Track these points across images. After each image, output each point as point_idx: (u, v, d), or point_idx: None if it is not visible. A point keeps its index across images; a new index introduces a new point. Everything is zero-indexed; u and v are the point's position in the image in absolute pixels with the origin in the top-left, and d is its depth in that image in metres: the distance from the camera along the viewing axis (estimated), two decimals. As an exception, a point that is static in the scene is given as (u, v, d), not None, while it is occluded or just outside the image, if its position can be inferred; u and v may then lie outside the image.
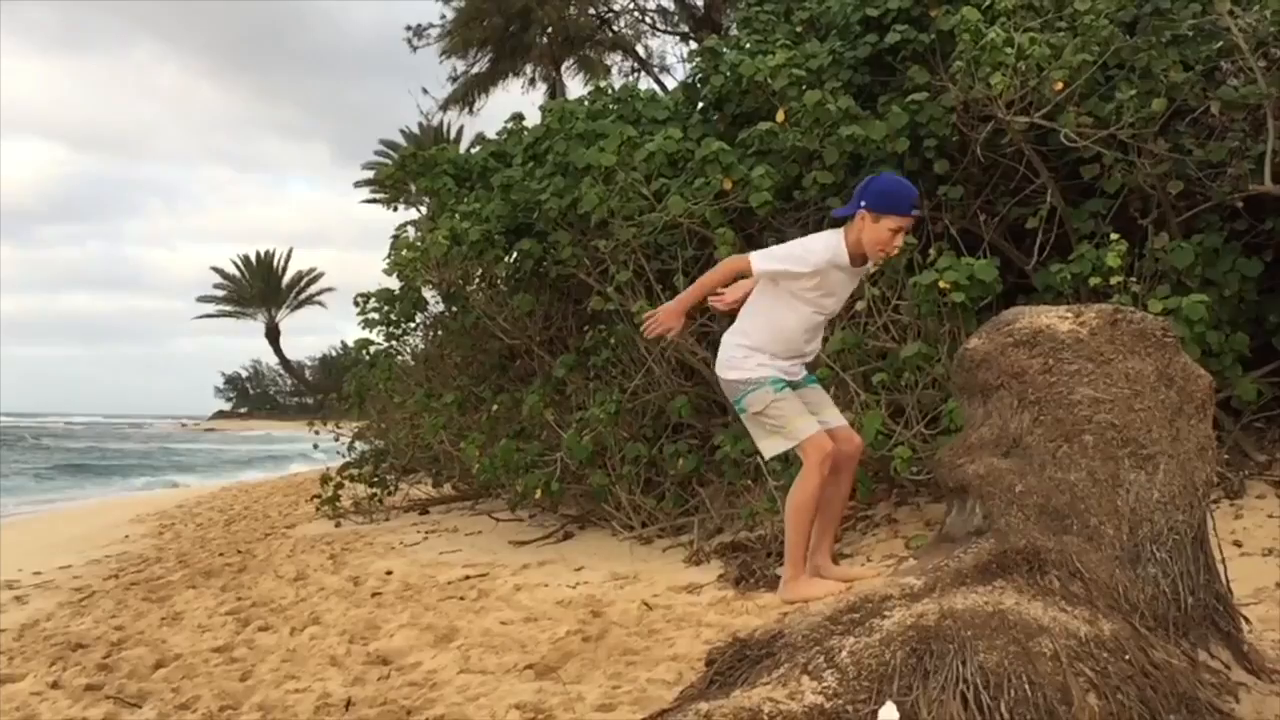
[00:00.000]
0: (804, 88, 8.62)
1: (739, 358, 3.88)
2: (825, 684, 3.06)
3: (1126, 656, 3.12)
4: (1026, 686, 3.01)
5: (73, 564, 12.04)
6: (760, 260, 3.81)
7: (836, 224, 3.90)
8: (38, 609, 9.29)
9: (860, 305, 7.85)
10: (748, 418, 3.90)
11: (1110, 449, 3.49)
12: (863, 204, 3.72)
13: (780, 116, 8.64)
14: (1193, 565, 3.44)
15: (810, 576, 3.82)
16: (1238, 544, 6.03)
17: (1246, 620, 3.71)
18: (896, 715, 2.96)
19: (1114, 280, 6.93)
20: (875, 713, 2.98)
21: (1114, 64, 7.78)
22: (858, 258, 3.79)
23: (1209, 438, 3.60)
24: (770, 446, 3.89)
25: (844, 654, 3.14)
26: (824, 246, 3.79)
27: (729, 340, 3.94)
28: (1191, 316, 6.67)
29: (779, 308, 3.87)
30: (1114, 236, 7.15)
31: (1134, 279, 7.04)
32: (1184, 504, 3.47)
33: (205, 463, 39.72)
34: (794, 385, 3.89)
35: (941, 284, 7.23)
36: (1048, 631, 3.14)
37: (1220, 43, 7.67)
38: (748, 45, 10.05)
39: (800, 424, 3.79)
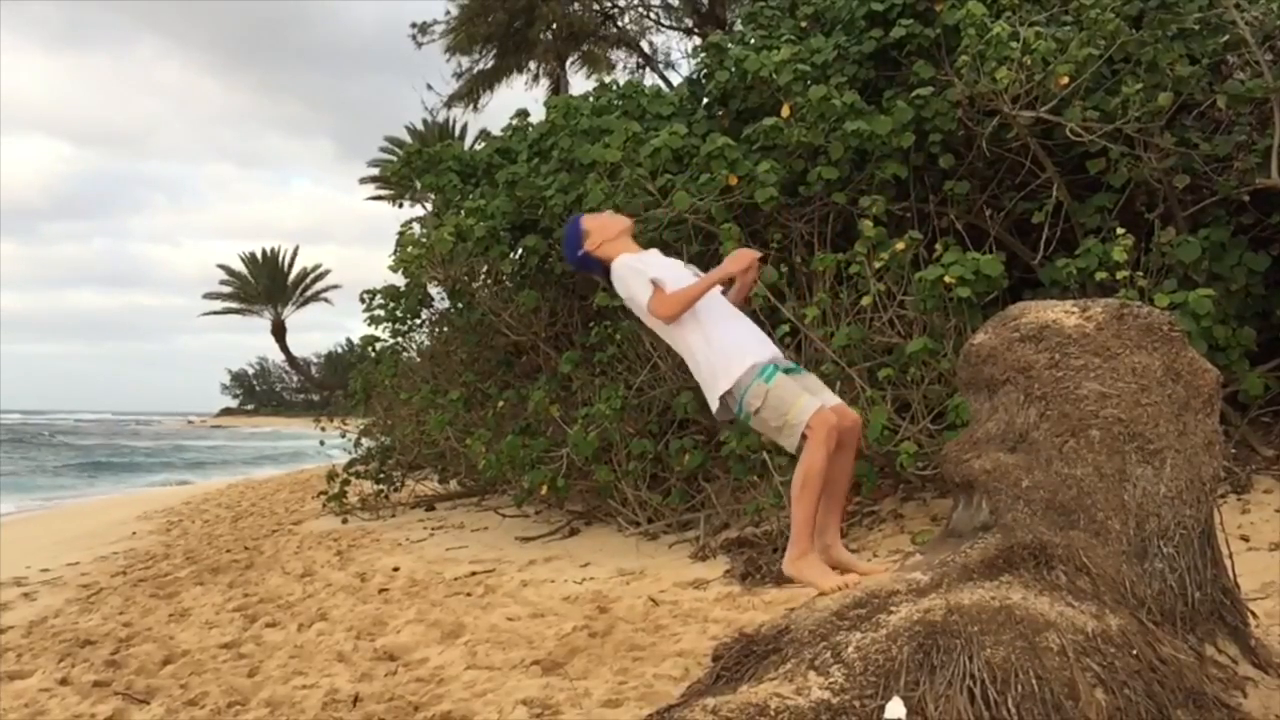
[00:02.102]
0: (809, 83, 8.62)
1: (720, 369, 3.92)
2: (832, 679, 3.06)
3: (1133, 651, 3.12)
4: (1033, 682, 3.01)
5: (80, 561, 12.08)
6: (660, 304, 3.98)
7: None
8: (46, 605, 9.31)
9: (865, 300, 7.85)
10: (755, 421, 3.91)
11: (1117, 444, 3.48)
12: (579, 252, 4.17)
13: (785, 112, 8.64)
14: (1200, 560, 3.43)
15: (818, 557, 3.81)
16: (1245, 539, 6.03)
17: (1254, 615, 3.71)
18: (903, 711, 2.96)
19: (1120, 275, 6.92)
20: (882, 708, 2.98)
21: (1119, 58, 7.76)
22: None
23: (1216, 432, 3.60)
24: (788, 440, 3.88)
25: (850, 649, 3.14)
26: (634, 261, 4.08)
27: (703, 369, 4.02)
28: (1198, 311, 6.65)
29: (701, 326, 4.00)
30: (1120, 231, 7.14)
31: (1140, 273, 7.03)
32: (1191, 499, 3.46)
33: (222, 459, 39.91)
34: (787, 371, 3.91)
35: (947, 279, 7.22)
36: (1054, 626, 3.13)
37: (1226, 36, 7.65)
38: (752, 40, 10.04)
39: (802, 403, 3.81)
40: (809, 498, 3.77)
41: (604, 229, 4.25)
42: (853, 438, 3.94)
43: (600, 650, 5.89)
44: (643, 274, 4.03)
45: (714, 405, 4.00)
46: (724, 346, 3.95)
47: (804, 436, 3.79)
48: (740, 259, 4.05)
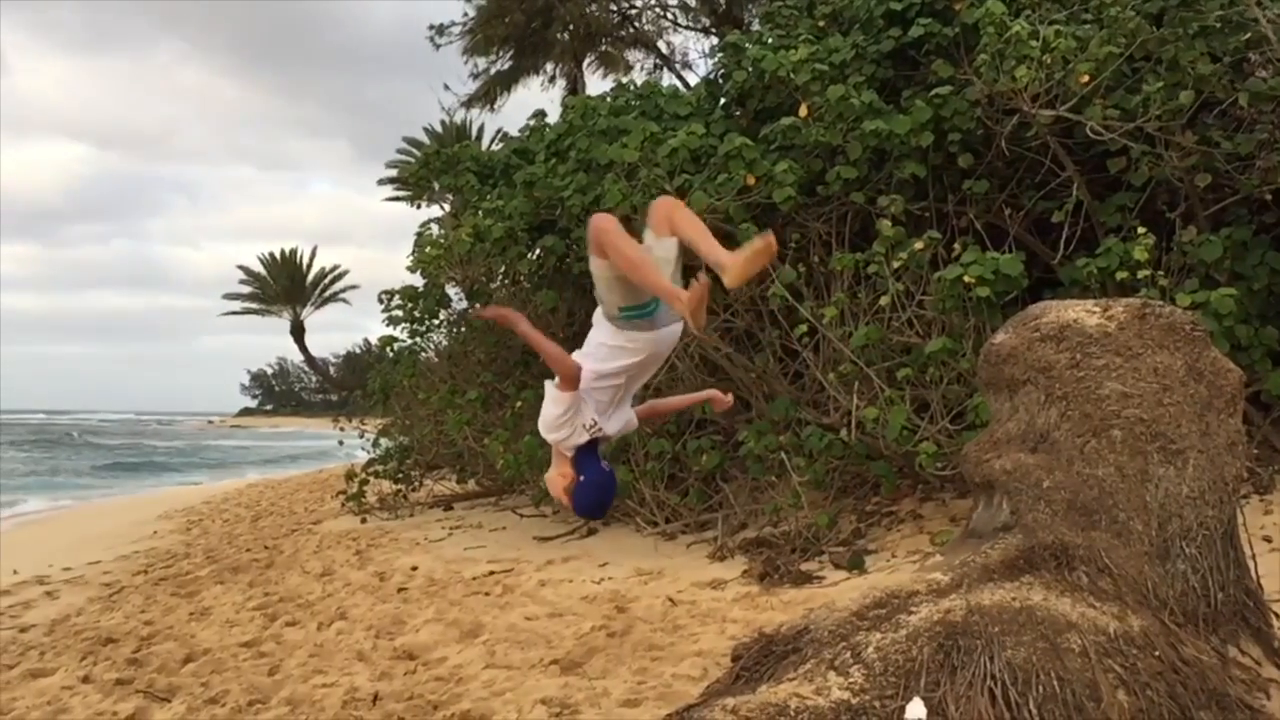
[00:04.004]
0: (827, 82, 8.60)
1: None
2: (852, 680, 3.06)
3: (1156, 653, 3.11)
4: (1055, 683, 3.00)
5: (102, 560, 12.15)
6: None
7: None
8: (68, 604, 9.38)
9: (885, 300, 7.83)
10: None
11: (1139, 444, 3.47)
12: (581, 477, 3.79)
13: (803, 111, 8.62)
14: (1222, 561, 3.42)
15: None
16: (1268, 539, 5.98)
17: (1277, 616, 3.68)
18: (924, 711, 2.95)
19: (1141, 274, 6.88)
20: (902, 709, 2.97)
21: (1141, 56, 7.72)
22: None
23: (1239, 432, 3.58)
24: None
25: (870, 650, 3.13)
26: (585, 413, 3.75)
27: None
28: (1220, 310, 6.61)
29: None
30: (1141, 230, 7.10)
31: (1162, 273, 6.99)
32: (1213, 499, 3.44)
33: (246, 459, 40.13)
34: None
35: (966, 279, 7.20)
36: (1076, 627, 3.12)
37: (1248, 34, 7.59)
38: (770, 40, 10.03)
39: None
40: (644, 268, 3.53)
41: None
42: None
43: (619, 650, 5.89)
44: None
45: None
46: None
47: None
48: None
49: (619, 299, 3.64)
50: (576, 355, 3.73)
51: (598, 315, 3.77)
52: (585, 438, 3.73)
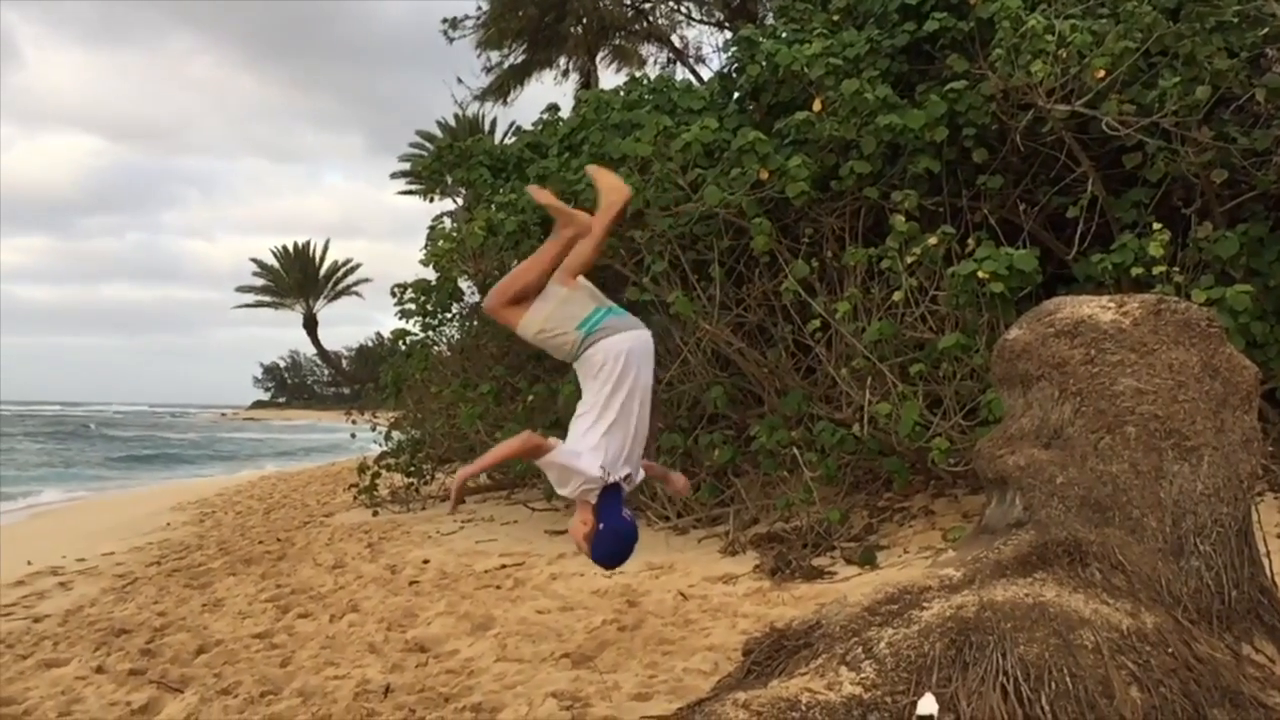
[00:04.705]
0: (841, 77, 8.57)
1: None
2: (863, 675, 3.06)
3: (1169, 650, 3.09)
4: (1068, 679, 2.99)
5: (115, 551, 12.22)
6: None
7: None
8: (82, 595, 9.43)
9: (898, 296, 7.81)
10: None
11: (1153, 440, 3.45)
12: (601, 525, 3.74)
13: (817, 106, 8.60)
14: (1237, 558, 3.40)
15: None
16: (1282, 537, 5.95)
17: (1292, 614, 3.66)
18: (935, 707, 2.95)
19: (1156, 270, 6.85)
20: (914, 704, 2.97)
21: (1157, 51, 7.67)
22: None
23: (1254, 429, 3.56)
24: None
25: (882, 645, 3.13)
26: (587, 464, 3.70)
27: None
28: (1236, 307, 6.57)
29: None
30: (1156, 226, 7.06)
31: (1177, 269, 6.95)
32: (1228, 496, 3.43)
33: (267, 452, 40.32)
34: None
35: (980, 274, 7.17)
36: (1089, 624, 3.11)
37: (1266, 29, 7.54)
38: (784, 34, 10.00)
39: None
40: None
41: None
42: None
43: (630, 644, 5.90)
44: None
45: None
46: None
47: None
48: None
49: (569, 321, 3.71)
50: (570, 442, 3.72)
51: (582, 404, 3.78)
52: (597, 485, 3.68)
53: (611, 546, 3.75)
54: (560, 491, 3.76)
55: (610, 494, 3.71)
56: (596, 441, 3.64)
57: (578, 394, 3.88)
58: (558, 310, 3.72)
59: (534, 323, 3.76)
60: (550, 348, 3.80)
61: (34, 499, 20.78)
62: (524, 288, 3.77)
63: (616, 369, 3.66)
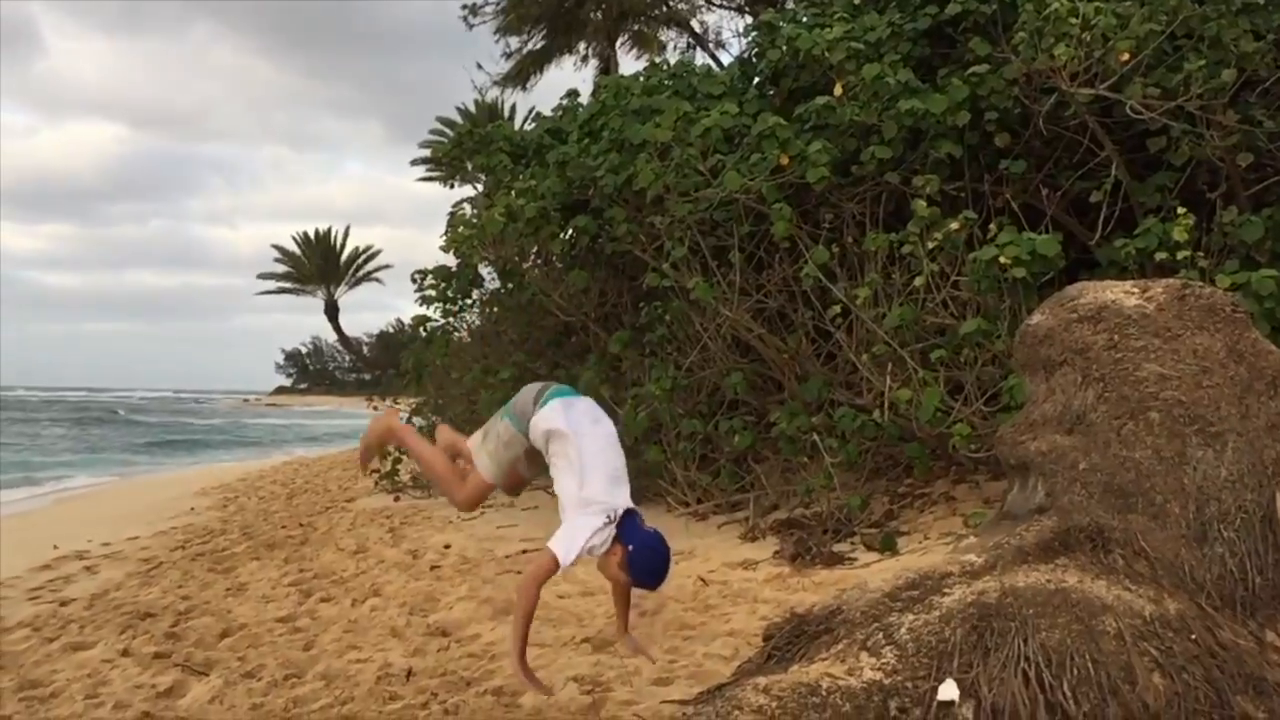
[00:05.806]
0: (862, 61, 8.52)
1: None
2: (884, 660, 3.06)
3: (1192, 636, 3.08)
4: (1089, 665, 2.98)
5: (140, 535, 12.32)
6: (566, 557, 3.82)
7: None
8: (107, 579, 9.52)
9: (919, 281, 7.77)
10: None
11: (1177, 426, 3.43)
12: (630, 546, 3.77)
13: (838, 90, 8.55)
14: (1261, 545, 3.38)
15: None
16: (1307, 524, 5.90)
17: (1317, 601, 3.63)
18: (956, 693, 2.94)
19: (1181, 255, 6.79)
20: (935, 690, 2.97)
21: (1182, 33, 7.59)
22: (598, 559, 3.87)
23: (1279, 415, 3.53)
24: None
25: (903, 630, 3.13)
26: (586, 536, 3.76)
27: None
28: (1261, 292, 6.51)
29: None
30: (1181, 210, 7.00)
31: (1201, 254, 6.89)
32: (1253, 483, 3.40)
33: (290, 437, 40.44)
34: None
35: (1002, 259, 7.13)
36: (1111, 610, 3.10)
37: (1294, 11, 7.46)
38: (805, 19, 9.95)
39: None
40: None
41: None
42: None
43: (650, 629, 5.91)
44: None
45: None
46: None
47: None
48: None
49: (505, 435, 4.20)
50: (569, 515, 3.85)
51: (557, 490, 3.96)
52: (610, 526, 3.75)
53: (649, 563, 3.77)
54: (599, 554, 3.82)
55: (625, 517, 3.76)
56: (587, 496, 3.77)
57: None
58: (491, 443, 4.21)
59: (488, 466, 4.23)
60: (518, 454, 4.19)
61: (65, 484, 21.01)
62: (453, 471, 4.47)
63: (560, 423, 3.93)
